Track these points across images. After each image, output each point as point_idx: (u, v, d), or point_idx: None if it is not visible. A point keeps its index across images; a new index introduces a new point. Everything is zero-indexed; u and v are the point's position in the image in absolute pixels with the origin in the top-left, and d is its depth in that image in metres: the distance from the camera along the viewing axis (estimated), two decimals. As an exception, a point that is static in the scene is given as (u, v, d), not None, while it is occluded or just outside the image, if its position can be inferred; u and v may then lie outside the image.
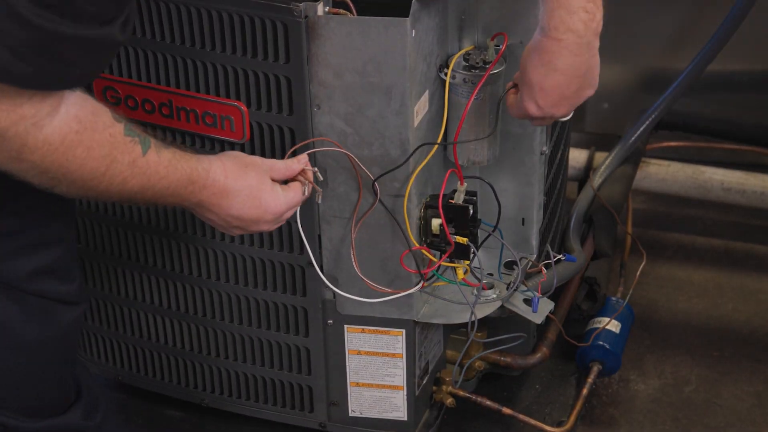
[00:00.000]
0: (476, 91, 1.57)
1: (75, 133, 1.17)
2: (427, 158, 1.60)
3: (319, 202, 1.55)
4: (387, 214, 1.58)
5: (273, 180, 1.45)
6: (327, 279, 1.65)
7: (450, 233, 1.58)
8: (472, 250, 1.60)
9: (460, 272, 1.64)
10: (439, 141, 1.62)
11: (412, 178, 1.56)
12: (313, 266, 1.64)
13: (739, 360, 2.06)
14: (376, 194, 1.56)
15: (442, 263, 1.62)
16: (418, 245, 1.60)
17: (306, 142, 1.53)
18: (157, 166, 1.28)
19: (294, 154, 1.52)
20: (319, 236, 1.63)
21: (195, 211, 1.41)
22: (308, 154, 1.51)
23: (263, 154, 1.57)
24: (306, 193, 1.49)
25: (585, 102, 2.61)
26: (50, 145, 1.16)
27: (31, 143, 1.14)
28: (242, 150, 1.59)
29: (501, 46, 1.58)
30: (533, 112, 1.49)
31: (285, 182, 1.49)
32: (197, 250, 1.72)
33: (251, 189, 1.40)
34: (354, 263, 1.59)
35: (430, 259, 1.63)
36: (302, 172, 1.49)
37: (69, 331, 1.54)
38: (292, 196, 1.46)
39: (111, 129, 1.22)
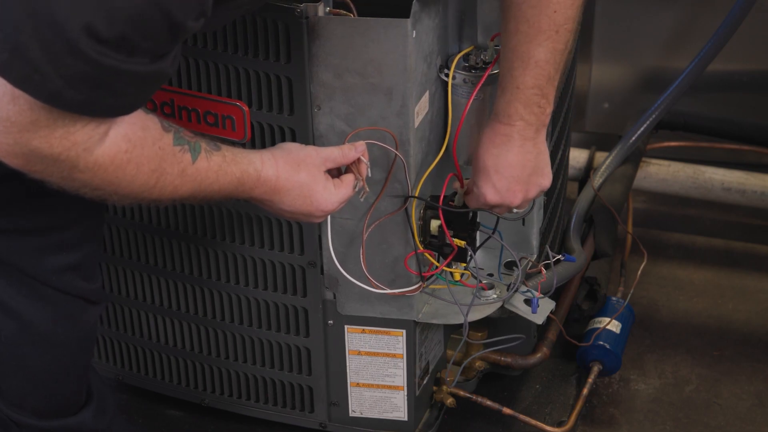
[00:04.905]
0: (476, 91, 1.57)
1: (124, 153, 1.18)
2: (436, 161, 1.61)
3: (362, 200, 1.54)
4: (391, 216, 1.58)
5: (328, 169, 1.44)
6: (327, 280, 1.65)
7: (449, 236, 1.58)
8: (469, 253, 1.60)
9: (457, 275, 1.64)
10: (445, 143, 1.62)
11: (420, 182, 1.57)
12: (315, 267, 1.65)
13: (739, 360, 2.06)
14: (405, 201, 1.56)
15: (439, 265, 1.62)
16: (422, 248, 1.60)
17: (362, 129, 1.52)
18: (207, 173, 1.30)
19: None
20: (319, 237, 1.63)
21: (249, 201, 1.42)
22: (365, 144, 1.49)
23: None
24: (356, 188, 1.48)
25: (585, 101, 2.61)
26: (100, 166, 1.17)
27: (82, 165, 1.16)
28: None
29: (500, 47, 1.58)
30: (491, 196, 1.52)
31: (339, 170, 1.47)
32: (198, 250, 1.72)
33: (302, 188, 1.40)
34: (363, 263, 1.59)
35: (430, 261, 1.63)
36: (357, 161, 1.47)
37: (90, 331, 1.55)
38: (344, 192, 1.45)
39: (160, 142, 1.23)
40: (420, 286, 1.63)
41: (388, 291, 1.62)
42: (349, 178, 1.46)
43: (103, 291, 1.54)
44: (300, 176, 1.39)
